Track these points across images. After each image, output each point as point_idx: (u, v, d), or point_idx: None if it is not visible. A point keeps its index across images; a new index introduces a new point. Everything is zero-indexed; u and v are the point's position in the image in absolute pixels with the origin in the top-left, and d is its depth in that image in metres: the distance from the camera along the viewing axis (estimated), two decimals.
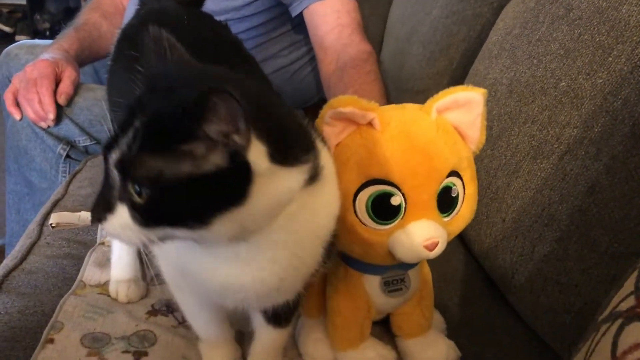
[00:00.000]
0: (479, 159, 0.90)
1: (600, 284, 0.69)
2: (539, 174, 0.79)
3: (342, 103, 0.67)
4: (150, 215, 0.49)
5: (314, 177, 0.56)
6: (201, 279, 0.60)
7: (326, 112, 0.68)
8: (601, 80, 0.73)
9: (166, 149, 0.47)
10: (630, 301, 0.43)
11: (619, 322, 0.42)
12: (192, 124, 0.46)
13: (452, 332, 0.83)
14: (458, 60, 1.22)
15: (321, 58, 1.31)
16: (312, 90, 1.52)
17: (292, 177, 0.54)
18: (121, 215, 0.50)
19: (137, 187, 0.48)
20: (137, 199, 0.49)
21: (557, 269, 0.74)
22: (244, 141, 0.48)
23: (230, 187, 0.49)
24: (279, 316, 0.70)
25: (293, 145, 0.54)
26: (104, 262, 0.95)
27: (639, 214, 0.66)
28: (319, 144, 0.60)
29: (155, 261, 0.69)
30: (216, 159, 0.48)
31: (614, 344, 0.41)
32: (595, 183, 0.71)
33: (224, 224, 0.50)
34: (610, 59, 0.72)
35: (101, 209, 0.51)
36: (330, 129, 0.68)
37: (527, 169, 0.81)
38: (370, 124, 0.68)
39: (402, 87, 1.36)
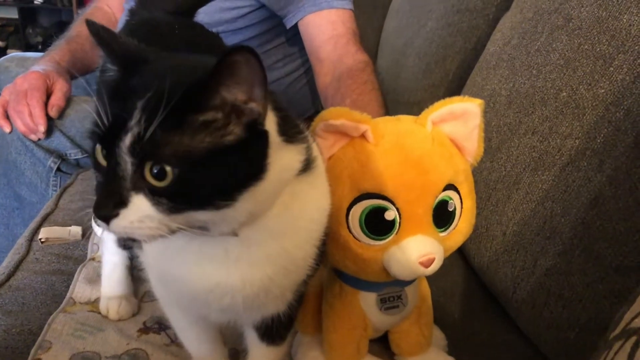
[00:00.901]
0: (478, 171, 0.89)
1: (605, 298, 0.68)
2: (540, 185, 0.78)
3: (334, 115, 0.66)
4: (177, 198, 0.47)
5: (306, 166, 0.56)
6: (186, 283, 0.58)
7: (317, 124, 0.66)
8: (603, 91, 0.71)
9: (185, 123, 0.46)
10: None
11: (633, 339, 0.40)
12: (209, 92, 0.46)
13: (453, 349, 0.81)
14: (454, 72, 1.22)
15: (317, 70, 1.30)
16: (307, 102, 1.50)
17: (293, 155, 0.54)
18: (138, 206, 0.47)
19: (155, 171, 0.46)
20: (157, 183, 0.46)
21: (560, 283, 0.73)
22: (261, 109, 0.48)
23: (251, 160, 0.49)
24: (272, 332, 0.68)
25: (290, 122, 0.54)
26: (95, 278, 0.93)
27: None
28: (309, 136, 0.60)
29: (146, 275, 0.66)
30: (236, 129, 0.47)
31: None
32: (598, 195, 0.69)
33: (247, 200, 0.48)
34: (612, 69, 0.71)
35: (110, 205, 0.47)
36: (323, 142, 0.67)
37: (527, 181, 0.80)
38: (363, 136, 0.66)
39: (397, 99, 1.36)
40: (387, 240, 0.65)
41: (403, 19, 1.48)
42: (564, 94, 0.77)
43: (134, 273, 0.91)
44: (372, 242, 0.65)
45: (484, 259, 0.87)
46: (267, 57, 1.42)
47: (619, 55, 0.70)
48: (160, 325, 0.83)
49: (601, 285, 0.68)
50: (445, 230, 0.68)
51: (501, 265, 0.83)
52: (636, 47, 0.68)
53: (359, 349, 0.74)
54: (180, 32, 0.82)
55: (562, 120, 0.76)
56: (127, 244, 0.87)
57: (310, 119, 0.68)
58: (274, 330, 0.67)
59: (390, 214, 0.64)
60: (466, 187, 0.69)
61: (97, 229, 0.89)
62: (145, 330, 0.82)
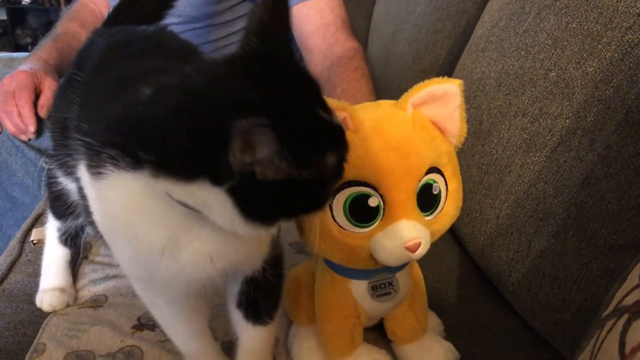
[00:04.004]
0: (470, 155, 0.88)
1: (600, 278, 0.67)
2: (532, 167, 0.77)
3: None
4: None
5: None
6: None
7: None
8: (592, 69, 0.71)
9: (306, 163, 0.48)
10: (636, 295, 0.40)
11: (625, 317, 0.40)
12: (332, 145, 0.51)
13: (450, 334, 0.80)
14: (444, 56, 1.21)
15: (308, 59, 1.29)
16: None
17: None
18: None
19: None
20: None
21: (555, 265, 0.72)
22: None
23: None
24: (256, 309, 0.68)
25: None
26: (84, 276, 0.93)
27: (636, 205, 0.64)
28: None
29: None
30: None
31: (622, 341, 0.39)
32: (590, 174, 0.69)
33: None
34: (600, 46, 0.70)
35: None
36: None
37: (519, 163, 0.79)
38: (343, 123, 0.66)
39: (388, 86, 1.35)
40: (373, 227, 0.64)
41: (392, 5, 1.46)
42: (553, 73, 0.76)
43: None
44: (357, 230, 0.65)
45: (478, 243, 0.86)
46: None
47: (607, 32, 0.69)
48: (155, 322, 0.82)
49: (596, 265, 0.68)
50: (431, 213, 0.67)
51: (496, 249, 0.82)
52: (624, 24, 0.67)
53: (354, 337, 0.73)
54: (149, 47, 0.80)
55: (552, 100, 0.76)
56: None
57: None
58: (259, 306, 0.68)
59: (374, 201, 0.63)
60: (450, 169, 0.68)
61: (52, 221, 0.90)
62: (139, 326, 0.81)
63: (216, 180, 0.46)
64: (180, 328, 0.70)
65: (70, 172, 0.76)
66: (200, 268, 0.57)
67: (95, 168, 0.53)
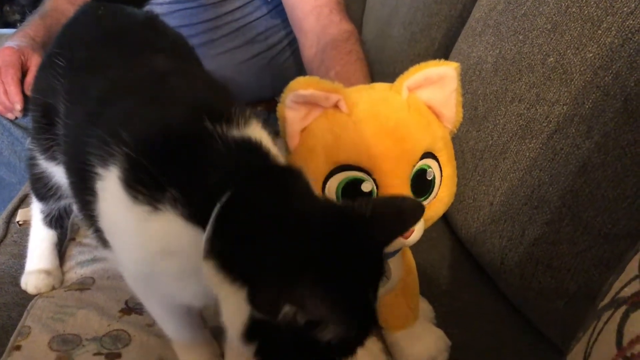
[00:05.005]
0: (465, 140, 0.87)
1: (594, 267, 0.67)
2: (527, 154, 0.76)
3: (303, 85, 0.63)
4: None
5: None
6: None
7: (287, 95, 0.64)
8: (591, 55, 0.69)
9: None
10: (635, 286, 0.39)
11: (623, 309, 0.39)
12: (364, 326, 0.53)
13: (441, 321, 0.80)
14: (440, 40, 1.19)
15: (302, 42, 1.27)
16: (292, 76, 1.46)
17: None
18: None
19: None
20: None
21: (548, 253, 0.72)
22: None
23: None
24: None
25: None
26: (71, 258, 0.91)
27: (632, 193, 0.63)
28: None
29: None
30: None
31: (619, 333, 0.38)
32: (586, 162, 0.68)
33: None
34: (600, 31, 0.69)
35: None
36: (294, 114, 0.64)
37: (515, 149, 0.78)
38: (337, 106, 0.64)
39: (383, 70, 1.33)
40: None
41: None
42: (551, 59, 0.75)
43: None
44: None
45: (471, 230, 0.86)
46: (248, 30, 1.39)
47: (607, 17, 0.68)
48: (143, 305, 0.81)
49: (590, 253, 0.67)
50: (425, 199, 0.66)
51: (489, 236, 0.81)
52: (625, 9, 0.66)
53: None
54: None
55: (549, 86, 0.74)
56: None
57: None
58: None
59: (367, 186, 0.62)
60: (445, 154, 0.67)
61: (35, 202, 0.89)
62: (127, 310, 0.80)
63: (253, 302, 0.47)
64: (172, 319, 0.69)
65: (52, 156, 0.75)
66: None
67: (139, 193, 0.52)
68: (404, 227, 0.58)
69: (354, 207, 0.52)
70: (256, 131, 0.57)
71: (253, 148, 0.55)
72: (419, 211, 0.57)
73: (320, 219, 0.51)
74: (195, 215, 0.51)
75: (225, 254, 0.49)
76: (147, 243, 0.55)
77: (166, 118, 0.57)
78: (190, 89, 0.63)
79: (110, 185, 0.55)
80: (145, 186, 0.52)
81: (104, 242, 0.63)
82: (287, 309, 0.46)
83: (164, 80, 0.63)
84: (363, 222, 0.51)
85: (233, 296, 0.49)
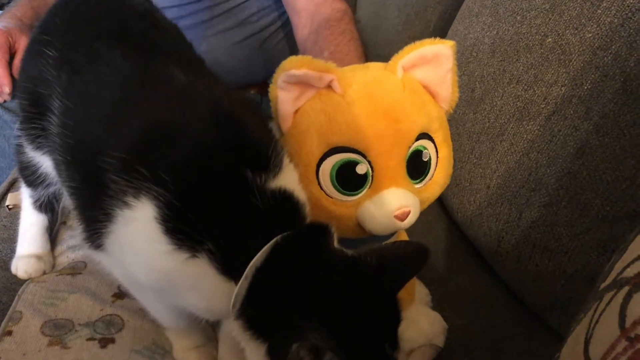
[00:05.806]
0: (461, 122, 0.86)
1: (592, 249, 0.66)
2: (525, 136, 0.76)
3: (295, 65, 0.62)
4: None
5: None
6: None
7: (279, 75, 0.62)
8: (590, 35, 0.68)
9: None
10: (638, 266, 0.39)
11: (625, 289, 0.38)
12: None
13: (438, 304, 0.80)
14: (435, 22, 1.17)
15: (295, 22, 1.25)
16: (285, 58, 1.45)
17: None
18: None
19: None
20: None
21: (545, 236, 0.71)
22: None
23: None
24: None
25: None
26: (62, 242, 0.90)
27: (631, 175, 0.63)
28: None
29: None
30: None
31: (622, 314, 0.37)
32: (585, 144, 0.67)
33: None
34: (600, 11, 0.68)
35: None
36: (286, 94, 0.63)
37: (512, 131, 0.77)
38: (330, 87, 0.62)
39: (377, 53, 1.31)
40: (361, 195, 0.62)
41: None
42: (550, 39, 0.74)
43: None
44: (344, 197, 0.63)
45: (467, 213, 0.85)
46: (240, 10, 1.37)
47: None
48: None
49: (588, 236, 0.67)
50: (421, 181, 0.65)
51: (485, 219, 0.81)
52: None
53: None
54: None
55: (547, 67, 0.73)
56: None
57: None
58: None
59: (362, 168, 0.61)
60: (441, 135, 0.66)
61: (24, 188, 0.87)
62: (120, 294, 0.79)
63: (270, 356, 0.51)
64: (168, 312, 0.68)
65: (39, 146, 0.73)
66: None
67: (179, 240, 0.52)
68: (412, 272, 0.60)
69: (360, 258, 0.55)
70: (289, 178, 0.57)
71: (286, 203, 0.56)
72: (424, 254, 0.58)
73: (335, 278, 0.53)
74: (229, 270, 0.53)
75: (253, 316, 0.52)
76: (175, 278, 0.55)
77: (206, 159, 0.55)
78: (226, 121, 0.58)
79: (141, 219, 0.54)
80: (184, 234, 0.52)
81: (96, 246, 0.61)
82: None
83: (195, 104, 0.59)
84: (371, 273, 0.53)
85: (257, 350, 0.52)
